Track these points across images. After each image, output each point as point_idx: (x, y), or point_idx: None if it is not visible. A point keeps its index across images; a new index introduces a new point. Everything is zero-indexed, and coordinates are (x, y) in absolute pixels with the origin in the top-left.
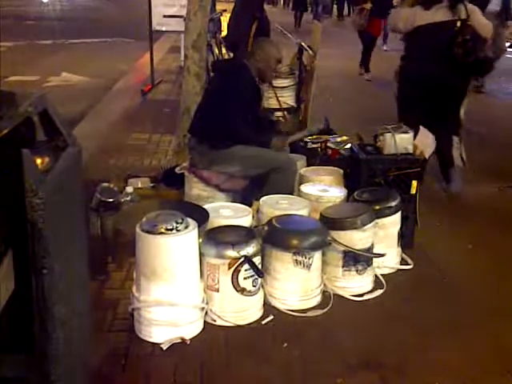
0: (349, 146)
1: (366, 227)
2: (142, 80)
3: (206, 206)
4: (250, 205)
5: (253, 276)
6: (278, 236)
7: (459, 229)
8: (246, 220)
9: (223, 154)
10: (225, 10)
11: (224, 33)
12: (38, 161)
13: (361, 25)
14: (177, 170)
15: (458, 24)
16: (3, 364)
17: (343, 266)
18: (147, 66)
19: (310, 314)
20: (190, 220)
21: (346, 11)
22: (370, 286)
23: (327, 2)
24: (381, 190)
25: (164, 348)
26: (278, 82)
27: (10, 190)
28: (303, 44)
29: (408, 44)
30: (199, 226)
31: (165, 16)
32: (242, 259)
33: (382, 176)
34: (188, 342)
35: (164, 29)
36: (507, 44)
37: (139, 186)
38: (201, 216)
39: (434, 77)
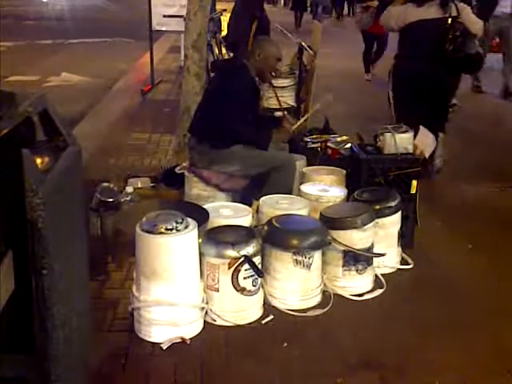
0: (349, 145)
1: (366, 227)
2: (141, 80)
3: (205, 206)
4: (249, 204)
5: (253, 276)
6: (277, 236)
7: (459, 229)
8: (245, 220)
9: (223, 153)
10: (225, 10)
11: (224, 32)
12: (38, 161)
13: (366, 24)
14: (177, 169)
15: (449, 21)
16: (3, 364)
17: (343, 266)
18: (147, 65)
19: (310, 313)
20: (189, 220)
21: (345, 11)
22: (370, 286)
23: (327, 2)
24: (381, 189)
25: (164, 348)
26: (278, 82)
27: (9, 190)
28: (303, 44)
29: (400, 41)
30: (199, 226)
31: (165, 16)
32: (242, 259)
33: (382, 176)
34: (188, 342)
35: (164, 29)
36: None
37: (139, 185)
38: (201, 216)
39: (425, 73)
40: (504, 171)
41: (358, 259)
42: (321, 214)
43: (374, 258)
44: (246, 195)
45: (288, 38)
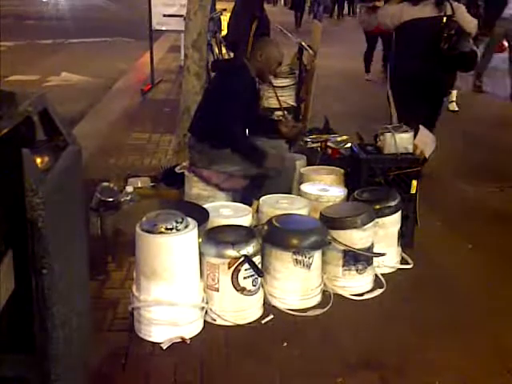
0: (349, 145)
1: (366, 226)
2: (141, 79)
3: (205, 206)
4: (250, 204)
5: (253, 275)
6: (277, 235)
7: (459, 229)
8: (245, 219)
9: (223, 153)
10: (225, 9)
11: (224, 32)
12: (38, 160)
13: (372, 25)
14: (177, 169)
15: (444, 20)
16: (3, 364)
17: (343, 266)
18: (147, 65)
19: (309, 313)
20: (189, 219)
21: (346, 11)
22: (370, 286)
23: (327, 2)
24: (381, 189)
25: (164, 347)
26: (278, 82)
27: (9, 190)
28: (303, 43)
29: (396, 40)
30: (199, 226)
31: (165, 15)
32: (242, 259)
33: (382, 175)
34: (188, 342)
35: (164, 28)
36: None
37: (139, 185)
38: (201, 215)
39: (421, 71)
40: (504, 171)
41: (357, 259)
42: (321, 213)
43: (374, 258)
44: (246, 195)
45: (288, 37)
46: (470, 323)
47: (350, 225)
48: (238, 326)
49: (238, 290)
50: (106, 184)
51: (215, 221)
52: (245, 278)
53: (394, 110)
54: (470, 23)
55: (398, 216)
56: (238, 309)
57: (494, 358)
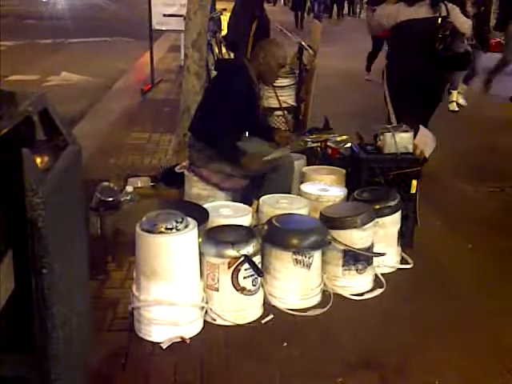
0: (349, 145)
1: (365, 226)
2: (141, 79)
3: (205, 206)
4: (250, 204)
5: (253, 275)
6: (277, 235)
7: (459, 229)
8: (245, 219)
9: None
10: (225, 9)
11: (224, 32)
12: (38, 160)
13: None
14: (176, 169)
15: (439, 21)
16: (3, 364)
17: (343, 265)
18: (147, 65)
19: (309, 313)
20: (189, 219)
21: (346, 11)
22: (369, 286)
23: (327, 2)
24: (381, 189)
25: (164, 347)
26: (278, 82)
27: (9, 190)
28: (303, 43)
29: (392, 40)
30: (199, 226)
31: (165, 15)
32: (242, 258)
33: (382, 175)
34: (188, 342)
35: (164, 28)
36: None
37: (139, 185)
38: (201, 215)
39: (416, 71)
40: (504, 171)
41: (357, 259)
42: (321, 213)
43: (374, 258)
44: (246, 195)
45: (288, 37)
46: (469, 323)
47: (349, 225)
48: (238, 325)
49: (237, 290)
50: (105, 184)
51: (215, 220)
52: (245, 277)
53: (391, 110)
54: (465, 24)
55: (397, 216)
56: (238, 309)
57: (493, 357)
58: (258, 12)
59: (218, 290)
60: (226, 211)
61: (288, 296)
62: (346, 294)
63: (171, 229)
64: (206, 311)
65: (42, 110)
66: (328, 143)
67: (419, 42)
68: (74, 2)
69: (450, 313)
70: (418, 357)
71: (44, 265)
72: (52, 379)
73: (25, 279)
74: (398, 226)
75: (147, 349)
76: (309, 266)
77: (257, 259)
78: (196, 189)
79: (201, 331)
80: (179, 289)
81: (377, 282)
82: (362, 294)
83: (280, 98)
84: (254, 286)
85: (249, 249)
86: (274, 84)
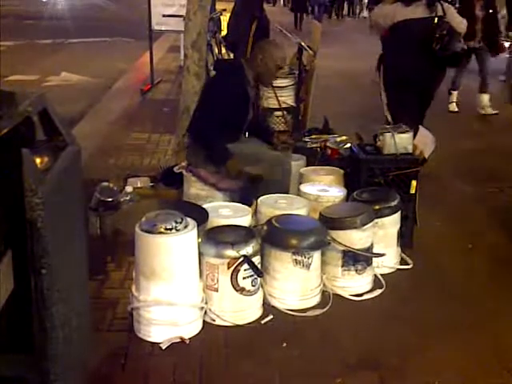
0: (348, 145)
1: (365, 227)
2: (141, 79)
3: (205, 206)
4: (248, 204)
5: (252, 276)
6: (277, 236)
7: (459, 229)
8: (245, 220)
9: None
10: (224, 10)
11: (224, 32)
12: (38, 160)
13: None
14: (175, 169)
15: (435, 20)
16: (3, 363)
17: (342, 266)
18: (147, 65)
19: (309, 313)
20: (189, 220)
21: (345, 11)
22: (369, 286)
23: (327, 3)
24: (380, 189)
25: (163, 347)
26: (277, 82)
27: (9, 190)
28: (303, 44)
29: (389, 40)
30: (198, 226)
31: (164, 15)
32: (242, 259)
33: (381, 176)
34: (187, 342)
35: (163, 28)
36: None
37: (138, 185)
38: (200, 215)
39: (413, 70)
40: (504, 172)
41: (357, 259)
42: (320, 213)
43: (374, 258)
44: (245, 195)
45: (288, 38)
46: (469, 323)
47: (349, 225)
48: (238, 326)
49: (237, 290)
50: (105, 184)
51: (215, 221)
52: (244, 278)
53: (385, 108)
54: (461, 23)
55: (397, 216)
56: (238, 309)
57: (493, 357)
58: (257, 12)
59: (217, 291)
60: (226, 211)
61: (287, 296)
62: (346, 294)
63: (171, 229)
64: (206, 311)
65: (42, 111)
66: (327, 144)
67: (416, 41)
68: (73, 2)
69: (449, 313)
70: (418, 357)
71: (43, 265)
72: (51, 379)
73: (24, 279)
74: (398, 226)
75: (146, 349)
76: (308, 266)
77: (256, 260)
78: (194, 189)
79: (200, 331)
80: (179, 289)
81: (376, 283)
82: (361, 295)
83: (279, 98)
84: (253, 286)
85: (248, 249)
86: (274, 84)
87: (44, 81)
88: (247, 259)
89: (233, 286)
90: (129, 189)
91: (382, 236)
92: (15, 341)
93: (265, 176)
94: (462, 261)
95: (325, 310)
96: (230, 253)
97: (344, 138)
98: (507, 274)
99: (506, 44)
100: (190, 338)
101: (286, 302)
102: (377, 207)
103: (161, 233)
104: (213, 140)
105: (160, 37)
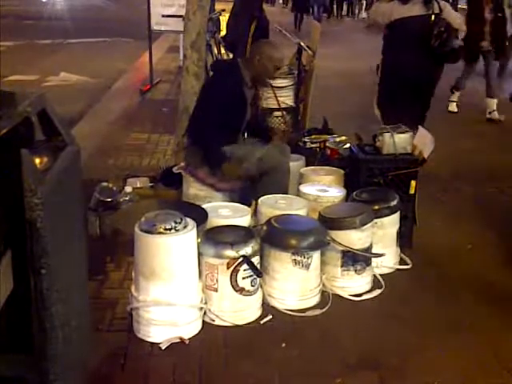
0: (348, 145)
1: (364, 227)
2: (140, 80)
3: (204, 206)
4: (248, 204)
5: (251, 276)
6: (276, 236)
7: (459, 229)
8: (244, 220)
9: None
10: (224, 10)
11: (223, 32)
12: (37, 160)
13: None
14: (174, 169)
15: (433, 18)
16: (2, 363)
17: (342, 266)
18: (146, 65)
19: (308, 313)
20: (188, 220)
21: (344, 11)
22: (368, 286)
23: (326, 4)
24: (380, 189)
25: (163, 348)
26: (276, 82)
27: (8, 190)
28: (302, 44)
29: (386, 38)
30: (198, 226)
31: (163, 16)
32: (241, 259)
33: (380, 176)
34: (187, 342)
35: (163, 28)
36: None
37: (138, 185)
38: (200, 216)
39: (410, 68)
40: (504, 172)
41: (356, 259)
42: (320, 214)
43: (373, 259)
44: (243, 195)
45: (287, 38)
46: (469, 323)
47: (348, 225)
48: (237, 326)
49: (236, 291)
50: (104, 184)
51: (214, 221)
52: (243, 278)
53: (375, 106)
54: (457, 19)
55: (396, 216)
56: (237, 309)
57: (493, 358)
58: (257, 12)
59: (216, 291)
60: (225, 212)
61: (287, 296)
62: (345, 294)
63: (170, 229)
64: (205, 312)
65: (41, 111)
66: (327, 144)
67: (413, 39)
68: (73, 2)
69: (449, 313)
70: (418, 357)
71: (43, 265)
72: (51, 379)
73: (24, 279)
74: (397, 226)
75: (146, 349)
76: (308, 266)
77: (256, 260)
78: (193, 189)
79: (200, 332)
80: (178, 289)
81: (375, 283)
82: (360, 295)
83: (279, 98)
84: (252, 286)
85: (248, 249)
86: (273, 84)
87: (43, 81)
88: (246, 259)
89: (232, 286)
90: (128, 189)
91: (382, 236)
92: (15, 341)
93: (263, 176)
94: (461, 261)
95: (324, 310)
96: (230, 253)
97: (343, 138)
98: (507, 273)
99: None
100: (189, 338)
101: (285, 302)
102: (376, 207)
103: (160, 233)
104: (210, 141)
105: (159, 37)
